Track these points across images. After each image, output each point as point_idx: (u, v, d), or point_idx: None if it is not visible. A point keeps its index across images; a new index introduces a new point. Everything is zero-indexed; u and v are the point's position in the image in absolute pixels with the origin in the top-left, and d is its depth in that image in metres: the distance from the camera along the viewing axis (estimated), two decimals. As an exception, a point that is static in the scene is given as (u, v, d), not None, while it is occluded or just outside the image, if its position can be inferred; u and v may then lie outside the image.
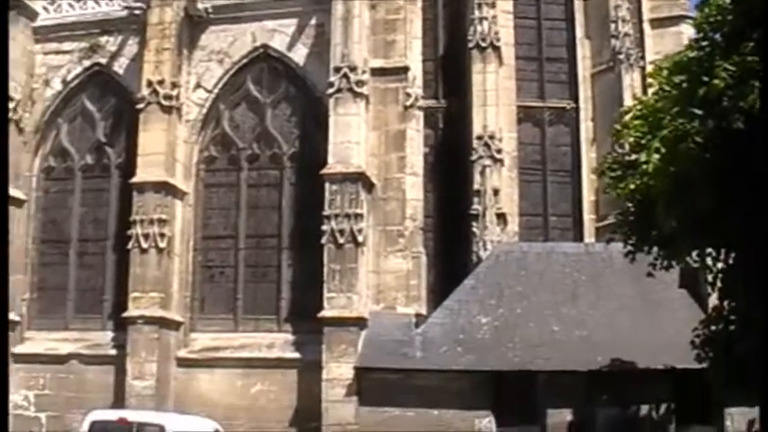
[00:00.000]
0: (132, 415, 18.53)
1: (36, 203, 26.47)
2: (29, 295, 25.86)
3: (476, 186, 22.90)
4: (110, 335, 24.67)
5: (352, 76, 22.80)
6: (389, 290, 22.80)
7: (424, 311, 22.59)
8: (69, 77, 26.57)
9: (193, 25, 25.25)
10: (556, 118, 24.61)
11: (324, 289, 21.95)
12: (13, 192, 25.49)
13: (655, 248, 15.57)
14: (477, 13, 23.87)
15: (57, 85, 26.66)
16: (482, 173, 22.92)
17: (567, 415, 19.84)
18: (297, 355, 22.98)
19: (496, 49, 23.76)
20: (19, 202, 25.80)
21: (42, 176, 26.70)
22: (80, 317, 25.42)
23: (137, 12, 25.32)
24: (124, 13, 25.82)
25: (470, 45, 23.78)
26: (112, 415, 18.50)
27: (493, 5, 24.04)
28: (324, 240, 22.10)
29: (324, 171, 22.48)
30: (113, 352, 24.12)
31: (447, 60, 25.15)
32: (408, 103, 23.61)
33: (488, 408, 20.44)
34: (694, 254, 15.11)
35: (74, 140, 26.65)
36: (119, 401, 22.94)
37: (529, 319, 21.05)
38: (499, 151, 23.15)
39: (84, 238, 25.97)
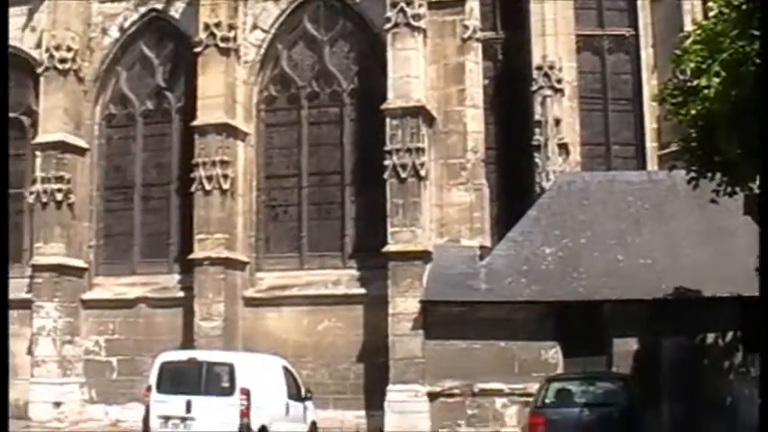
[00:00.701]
0: (202, 355, 19.11)
1: (99, 151, 27.04)
2: (95, 242, 26.58)
3: (537, 117, 23.11)
4: (177, 278, 25.36)
5: (409, 11, 22.99)
6: (453, 223, 23.21)
7: (488, 244, 22.93)
8: (126, 25, 26.89)
9: None
10: (615, 46, 24.60)
11: (387, 224, 22.38)
12: (75, 141, 26.35)
13: (718, 175, 15.66)
14: (538, -58, 23.84)
15: (114, 33, 26.99)
16: (543, 103, 23.12)
17: (632, 344, 20.13)
18: (362, 290, 23.53)
19: (554, -23, 23.75)
20: (82, 151, 26.52)
21: (104, 124, 27.25)
22: (147, 261, 26.12)
23: (190, -44, 25.66)
24: (176, -42, 26.13)
25: (528, -26, 23.79)
26: (182, 356, 19.10)
27: (552, -64, 23.97)
28: (386, 175, 22.53)
29: (384, 106, 22.84)
30: (181, 294, 24.82)
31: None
32: (466, 36, 23.73)
33: (554, 338, 20.87)
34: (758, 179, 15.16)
35: (133, 87, 27.10)
36: (188, 343, 23.68)
37: (593, 248, 21.34)
38: (559, 81, 23.29)
39: (148, 183, 26.58)
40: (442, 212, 23.29)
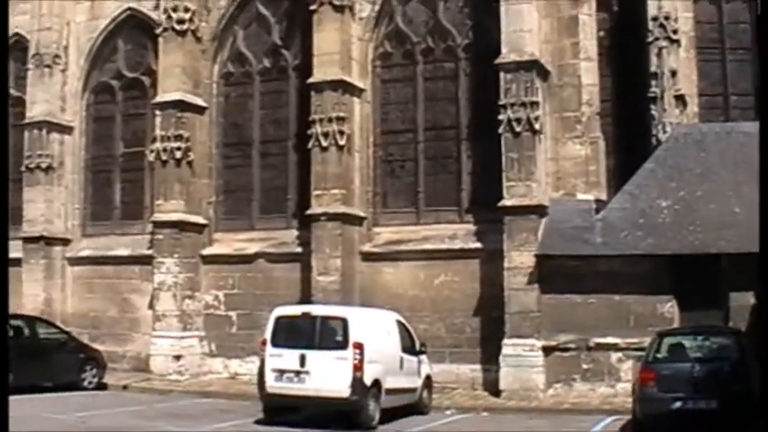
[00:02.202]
0: (316, 309, 20.07)
1: (217, 109, 28.46)
2: (214, 198, 28.07)
3: (652, 69, 23.35)
4: (294, 233, 26.62)
5: (521, -36, 23.58)
6: (568, 176, 23.94)
7: (604, 197, 23.57)
8: (242, -16, 28.20)
9: None
10: (732, -6, 24.74)
11: (503, 178, 23.17)
12: (194, 99, 27.84)
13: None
14: None
15: (233, -7, 28.31)
16: (658, 54, 23.37)
17: (749, 298, 20.46)
18: (478, 244, 24.36)
19: (668, -73, 24.02)
20: (200, 109, 28.02)
21: (222, 82, 28.62)
22: (265, 217, 27.50)
23: None
24: None
25: None
26: (296, 310, 20.03)
27: None
28: (501, 130, 23.23)
29: (497, 60, 23.50)
30: (299, 249, 26.07)
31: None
32: (579, -12, 24.28)
33: (670, 292, 21.44)
34: None
35: (250, 45, 28.37)
36: (305, 297, 24.89)
37: (709, 200, 21.74)
38: (675, 32, 23.50)
39: (266, 140, 27.87)
40: (558, 166, 23.98)
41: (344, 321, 18.79)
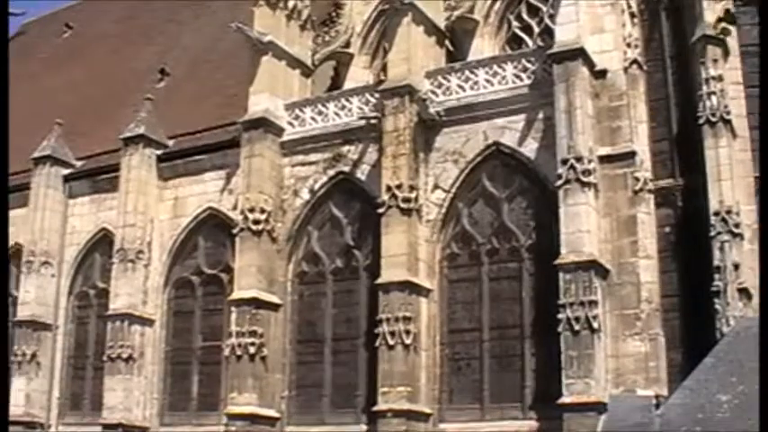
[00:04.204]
0: None
1: (291, 307, 30.82)
2: (287, 393, 30.07)
3: (716, 263, 24.90)
4: (363, 428, 28.22)
5: (579, 167, 25.67)
6: (629, 373, 25.31)
7: (665, 392, 24.89)
8: (316, 187, 30.93)
9: (427, 129, 28.86)
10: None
11: (562, 375, 24.70)
12: (269, 297, 30.24)
13: None
14: (705, 88, 26.15)
15: (305, 195, 31.05)
16: (721, 248, 24.99)
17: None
18: (540, 441, 25.74)
19: (727, 122, 25.96)
20: (275, 307, 30.37)
21: (296, 281, 31.06)
22: (336, 411, 29.22)
23: (373, 121, 29.48)
24: (362, 122, 30.00)
25: (701, 121, 26.07)
26: None
27: (720, 79, 26.22)
28: (560, 328, 24.90)
29: (557, 261, 25.39)
30: None
31: (681, 137, 27.55)
32: (637, 188, 26.28)
33: (732, 488, 22.34)
34: None
35: (324, 246, 30.82)
36: None
37: (769, 393, 22.88)
38: (737, 225, 25.18)
39: (337, 338, 29.86)
40: (618, 363, 25.35)
41: None
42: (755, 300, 24.83)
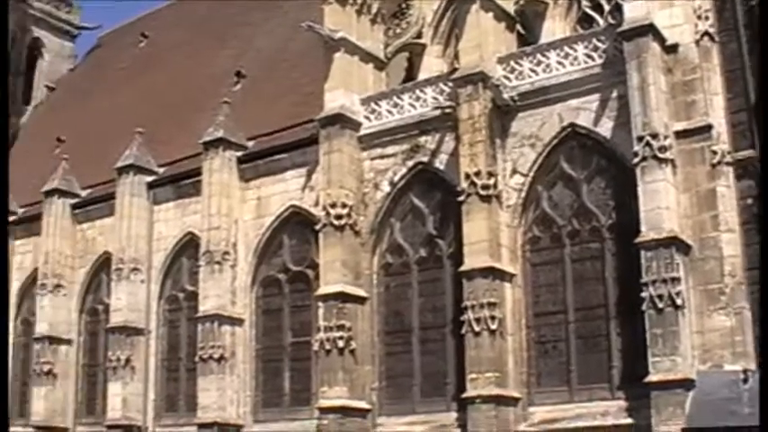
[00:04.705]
0: None
1: (378, 299, 31.57)
2: (377, 384, 30.87)
3: (802, 231, 24.89)
4: (453, 415, 28.75)
5: (655, 143, 25.89)
6: (715, 348, 25.49)
7: (752, 367, 24.90)
8: (396, 178, 31.62)
9: (502, 114, 29.27)
10: None
11: (648, 354, 25.03)
12: (355, 290, 30.97)
13: None
14: (781, 54, 26.15)
15: (385, 187, 31.78)
16: (806, 217, 24.92)
17: None
18: (629, 420, 25.91)
19: (806, 87, 25.88)
20: (362, 300, 31.10)
21: (382, 273, 31.80)
22: (426, 400, 29.84)
23: (448, 110, 30.05)
24: (437, 112, 30.58)
25: (779, 88, 26.09)
26: None
27: (796, 44, 26.20)
28: (644, 307, 25.22)
29: (637, 240, 25.68)
30: (457, 431, 28.33)
31: (759, 107, 27.26)
32: (715, 161, 26.42)
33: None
34: None
35: (407, 236, 31.49)
36: None
37: None
38: (819, 194, 25.11)
39: (425, 327, 30.49)
40: (704, 339, 25.56)
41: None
42: (843, 270, 24.90)
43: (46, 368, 40.98)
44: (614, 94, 28.04)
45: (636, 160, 26.22)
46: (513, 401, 27.75)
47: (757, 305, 25.72)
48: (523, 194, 29.18)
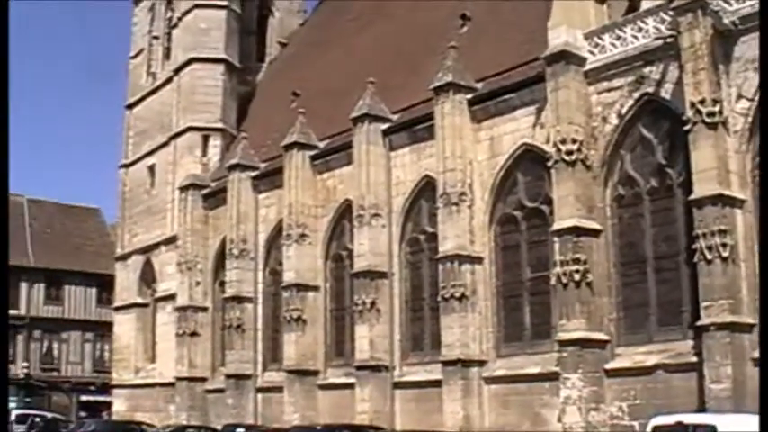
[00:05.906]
0: (688, 418, 23.27)
1: (612, 231, 32.98)
2: (615, 315, 32.34)
3: None
4: (690, 343, 29.70)
5: None
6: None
7: None
8: (623, 111, 32.73)
9: (724, 40, 29.89)
10: None
11: None
12: (589, 224, 32.51)
13: None
14: None
15: (613, 120, 32.97)
16: None
17: None
18: None
19: None
20: (596, 233, 32.63)
21: (614, 205, 33.14)
22: (662, 329, 31.07)
23: (669, 39, 30.97)
24: (659, 42, 31.57)
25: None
26: (671, 419, 23.39)
27: None
28: None
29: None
30: (694, 359, 29.07)
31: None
32: None
33: None
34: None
35: (637, 167, 32.66)
36: (700, 405, 27.94)
37: None
38: None
39: (659, 256, 31.64)
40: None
41: (713, 429, 21.76)
42: None
43: (295, 315, 44.37)
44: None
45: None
46: (747, 328, 28.43)
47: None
48: (750, 119, 29.59)
